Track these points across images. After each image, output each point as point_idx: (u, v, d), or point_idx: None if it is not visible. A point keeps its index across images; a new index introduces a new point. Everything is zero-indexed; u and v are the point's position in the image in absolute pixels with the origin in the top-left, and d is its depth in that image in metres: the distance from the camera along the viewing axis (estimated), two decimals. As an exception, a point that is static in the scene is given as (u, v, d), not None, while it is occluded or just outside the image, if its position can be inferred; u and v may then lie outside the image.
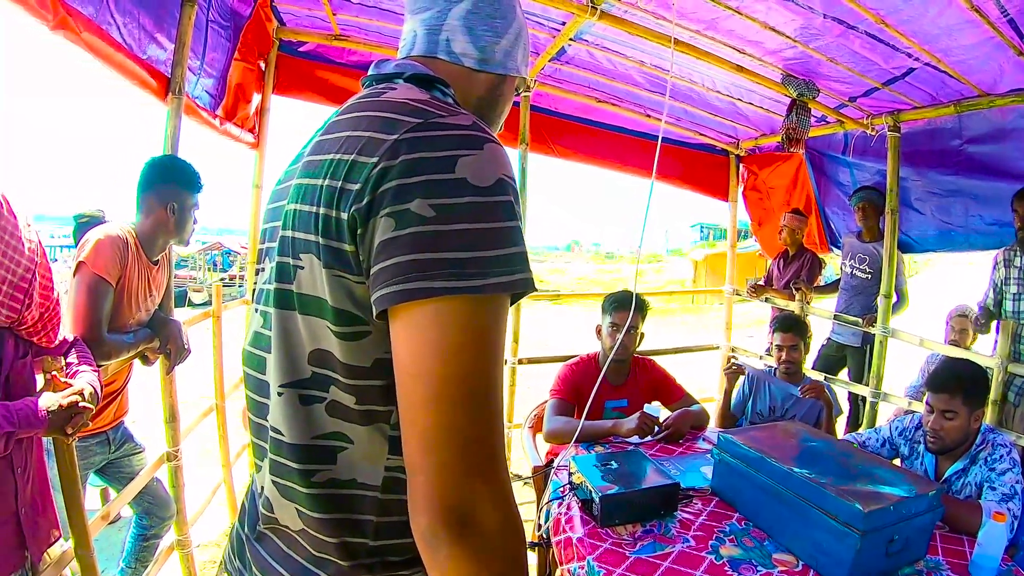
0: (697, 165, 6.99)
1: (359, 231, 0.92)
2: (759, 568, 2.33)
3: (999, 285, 4.77)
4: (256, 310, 1.20)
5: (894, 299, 5.45)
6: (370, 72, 1.24)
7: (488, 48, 1.26)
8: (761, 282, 6.70)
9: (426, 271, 0.86)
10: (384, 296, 0.89)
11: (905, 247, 5.85)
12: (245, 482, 3.65)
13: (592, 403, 3.22)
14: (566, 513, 2.73)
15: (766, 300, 6.57)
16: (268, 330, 1.11)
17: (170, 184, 3.08)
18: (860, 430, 4.33)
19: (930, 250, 5.91)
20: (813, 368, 6.10)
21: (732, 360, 4.20)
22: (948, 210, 5.38)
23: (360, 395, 1.01)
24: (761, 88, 4.80)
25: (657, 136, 2.85)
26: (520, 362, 5.81)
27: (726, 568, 2.31)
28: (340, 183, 0.95)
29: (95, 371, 2.35)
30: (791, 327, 4.36)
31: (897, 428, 3.44)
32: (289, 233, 1.04)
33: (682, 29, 3.88)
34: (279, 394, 1.06)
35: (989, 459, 2.96)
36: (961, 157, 5.01)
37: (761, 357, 6.48)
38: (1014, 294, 4.62)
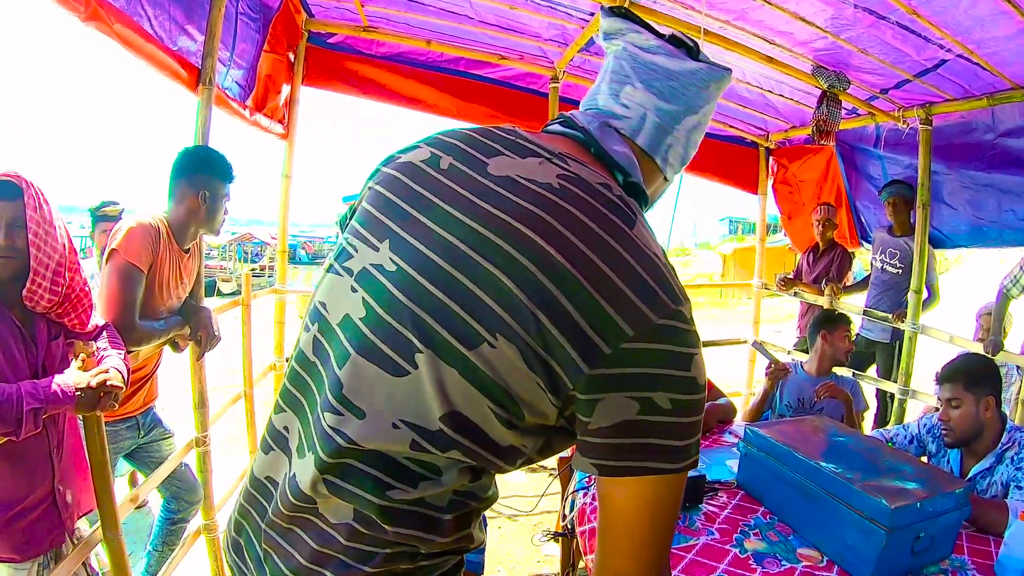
0: (726, 157, 6.93)
1: (594, 393, 0.95)
2: (783, 563, 2.32)
3: None
4: (355, 289, 1.10)
5: (924, 295, 5.38)
6: (592, 128, 1.19)
7: (684, 164, 1.29)
8: (791, 276, 6.67)
9: (655, 456, 0.96)
10: (615, 468, 0.97)
11: (936, 242, 5.75)
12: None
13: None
14: (591, 503, 2.72)
15: (795, 294, 6.55)
16: (375, 337, 1.04)
17: (203, 173, 3.10)
18: (888, 427, 4.29)
19: (962, 245, 5.83)
20: (842, 364, 6.05)
21: (776, 363, 4.15)
22: (980, 205, 5.26)
23: (479, 459, 1.04)
24: (791, 79, 4.76)
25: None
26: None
27: (750, 562, 2.31)
28: (586, 326, 0.93)
29: (123, 355, 2.38)
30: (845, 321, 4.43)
31: (925, 425, 3.42)
32: (479, 292, 0.97)
33: (712, 20, 3.85)
34: (395, 427, 1.01)
35: (1016, 458, 2.92)
36: (994, 151, 4.90)
37: (788, 352, 6.46)
38: None
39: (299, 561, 1.08)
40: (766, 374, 4.20)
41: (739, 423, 3.88)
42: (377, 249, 1.08)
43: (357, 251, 1.11)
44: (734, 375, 8.64)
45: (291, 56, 4.82)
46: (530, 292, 0.93)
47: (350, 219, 1.20)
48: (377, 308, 1.04)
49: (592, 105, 1.26)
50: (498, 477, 1.20)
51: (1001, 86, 4.30)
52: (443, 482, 1.04)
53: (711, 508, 2.72)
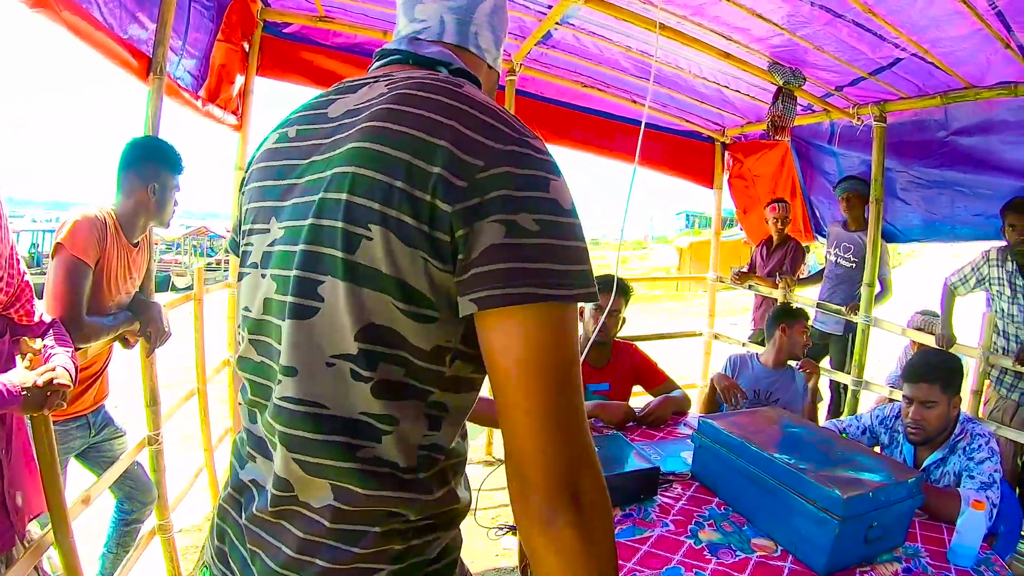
0: (682, 152, 6.98)
1: (461, 229, 0.97)
2: (738, 553, 2.33)
3: (985, 278, 4.78)
4: (264, 275, 1.16)
5: (877, 288, 5.48)
6: (403, 47, 1.27)
7: (499, 46, 1.39)
8: (744, 269, 6.73)
9: (531, 279, 0.95)
10: (491, 297, 0.96)
11: (890, 237, 5.90)
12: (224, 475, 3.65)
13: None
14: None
15: (750, 287, 6.63)
16: (287, 295, 1.08)
17: (151, 164, 3.04)
18: (841, 417, 4.33)
19: (915, 240, 5.99)
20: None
21: (736, 393, 4.09)
22: (933, 201, 5.39)
23: (414, 375, 1.05)
24: (748, 75, 4.80)
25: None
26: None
27: (705, 552, 2.32)
28: (439, 171, 0.97)
29: (71, 352, 2.33)
30: (804, 315, 4.46)
31: (878, 417, 3.46)
32: (344, 197, 1.01)
33: (668, 15, 3.86)
34: (329, 364, 1.04)
35: (968, 448, 2.98)
36: (947, 148, 5.02)
37: (744, 344, 6.52)
38: (999, 293, 4.66)
39: (287, 554, 1.09)
40: (723, 389, 4.16)
41: (694, 415, 3.90)
42: (269, 231, 1.17)
43: (254, 244, 1.20)
44: (689, 367, 8.72)
45: (245, 46, 4.74)
46: (380, 167, 1.00)
47: (239, 239, 1.31)
48: (283, 272, 1.10)
49: (396, 35, 1.34)
50: None
51: (955, 85, 4.37)
52: (404, 433, 1.07)
53: (666, 500, 2.72)
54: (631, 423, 3.65)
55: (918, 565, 2.37)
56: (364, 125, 1.05)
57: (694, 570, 2.22)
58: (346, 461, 1.05)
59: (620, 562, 1.88)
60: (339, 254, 1.01)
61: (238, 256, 1.31)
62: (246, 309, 1.20)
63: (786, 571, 2.26)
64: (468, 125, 1.01)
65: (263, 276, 1.15)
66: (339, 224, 1.01)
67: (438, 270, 1.00)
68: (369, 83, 1.17)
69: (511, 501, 1.02)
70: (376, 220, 0.98)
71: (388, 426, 1.05)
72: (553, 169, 1.03)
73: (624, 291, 4.06)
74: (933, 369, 3.03)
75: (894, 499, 2.34)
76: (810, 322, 4.48)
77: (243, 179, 1.32)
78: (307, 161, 1.13)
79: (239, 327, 1.24)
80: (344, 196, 1.01)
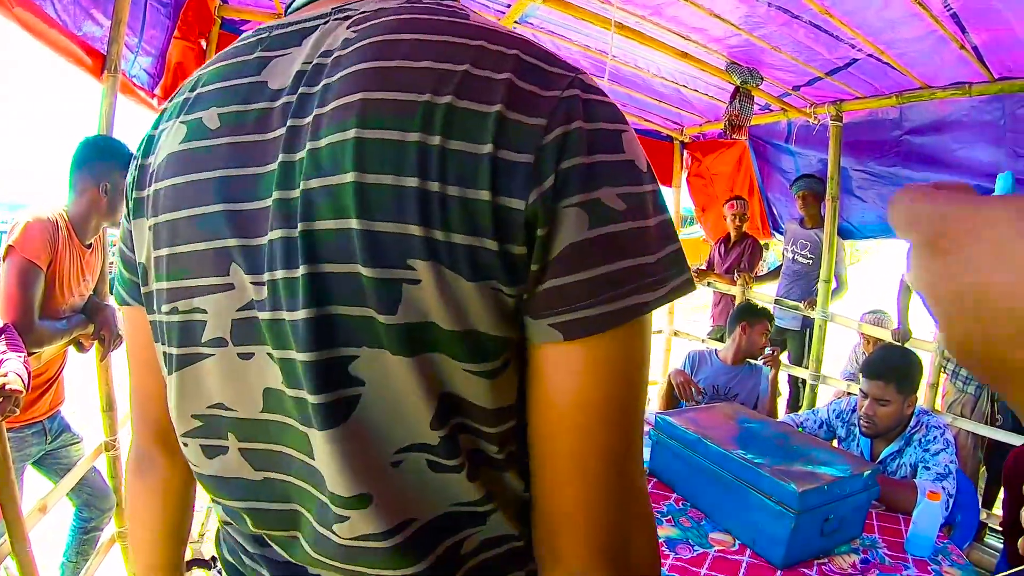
0: (644, 151, 6.89)
1: (543, 227, 0.67)
2: (696, 548, 2.36)
3: None
4: (248, 356, 0.79)
5: (833, 285, 5.55)
6: None
7: None
8: (703, 267, 6.76)
9: (628, 284, 0.68)
10: (582, 321, 0.68)
11: (846, 234, 5.98)
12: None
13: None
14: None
15: (708, 285, 6.66)
16: (305, 390, 0.73)
17: (103, 164, 2.97)
18: (799, 412, 4.37)
19: (871, 236, 6.07)
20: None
21: (692, 388, 4.09)
22: (888, 198, 5.34)
23: (502, 442, 0.76)
24: (706, 75, 4.82)
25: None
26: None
27: (663, 548, 2.33)
28: (490, 149, 0.66)
29: (24, 358, 2.29)
30: (767, 315, 4.49)
31: (835, 410, 3.51)
32: (356, 224, 0.67)
33: (627, 14, 3.88)
34: (395, 464, 0.73)
35: (923, 440, 3.04)
36: (901, 147, 5.09)
37: (703, 340, 6.57)
38: None
39: None
40: (679, 385, 4.19)
41: (652, 411, 3.91)
42: (232, 286, 0.78)
43: (208, 309, 0.80)
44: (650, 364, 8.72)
45: (203, 43, 4.67)
46: (401, 164, 0.66)
47: (137, 284, 0.92)
48: (286, 354, 0.74)
49: None
50: None
51: (909, 85, 4.43)
52: (508, 500, 0.79)
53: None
54: None
55: (875, 556, 2.42)
56: (352, 98, 0.69)
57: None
58: (455, 567, 0.79)
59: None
60: (372, 314, 0.69)
61: (145, 307, 0.90)
62: (218, 407, 0.83)
63: (744, 564, 2.29)
64: (503, 67, 0.69)
65: (246, 358, 0.79)
66: (360, 269, 0.68)
67: (509, 298, 0.69)
68: (313, 27, 0.80)
69: (540, 569, 0.79)
70: (419, 251, 0.66)
71: (489, 504, 0.77)
72: (620, 116, 0.72)
73: None
74: (891, 368, 3.06)
75: (849, 492, 2.37)
76: (772, 323, 4.51)
77: (131, 201, 0.91)
78: (267, 168, 0.74)
79: (190, 433, 0.86)
80: (356, 223, 0.67)
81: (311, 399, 0.72)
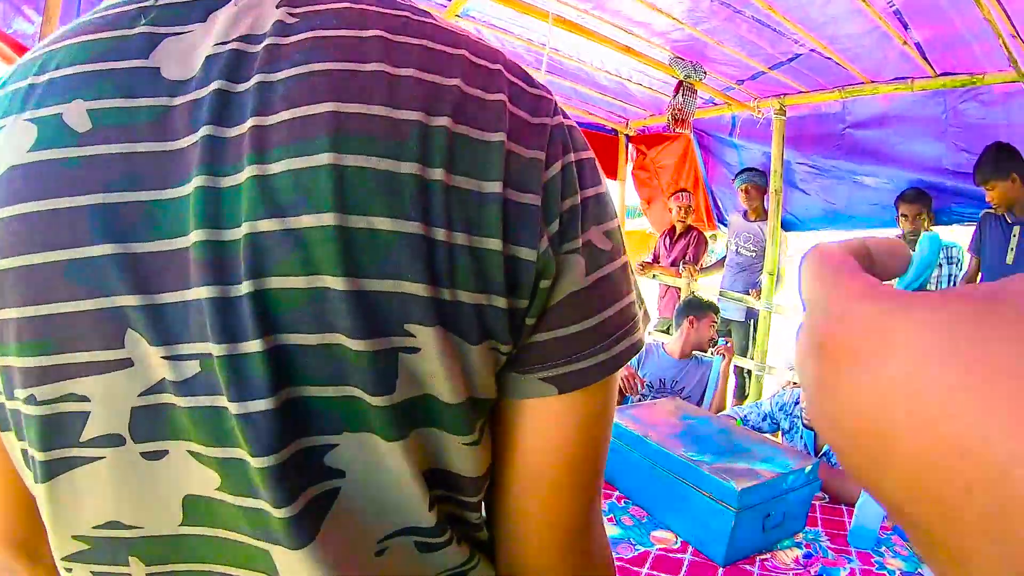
0: (590, 144, 6.79)
1: (544, 279, 0.58)
2: (638, 547, 2.33)
3: None
4: (155, 456, 0.57)
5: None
6: None
7: None
8: (648, 259, 6.75)
9: (623, 327, 0.63)
10: (578, 373, 0.61)
11: (790, 225, 6.08)
12: None
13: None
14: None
15: (653, 277, 6.64)
16: (261, 499, 0.55)
17: None
18: (744, 403, 4.37)
19: (814, 229, 6.15)
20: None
21: (636, 382, 4.07)
22: (832, 191, 5.60)
23: (480, 506, 0.68)
24: (650, 69, 4.81)
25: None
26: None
27: (606, 548, 2.31)
28: (499, 186, 0.55)
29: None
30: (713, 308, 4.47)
31: (777, 403, 3.49)
32: (342, 285, 0.52)
33: (568, 7, 3.86)
34: (379, 553, 0.60)
35: None
36: (845, 141, 5.15)
37: (649, 332, 6.56)
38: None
39: None
40: (623, 380, 4.15)
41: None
42: (130, 362, 0.55)
43: (91, 395, 0.56)
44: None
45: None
46: (395, 206, 0.52)
47: None
48: (215, 451, 0.56)
49: None
50: None
51: (853, 80, 4.46)
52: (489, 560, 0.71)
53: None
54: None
55: (819, 549, 2.42)
56: (318, 110, 0.52)
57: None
58: None
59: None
60: (358, 394, 0.55)
61: None
62: (112, 526, 0.59)
63: (686, 563, 2.27)
64: (492, 85, 0.58)
65: (154, 458, 0.57)
66: (342, 340, 0.53)
67: (504, 356, 0.60)
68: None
69: None
70: (421, 315, 0.53)
71: (472, 562, 0.67)
72: (585, 142, 0.64)
73: None
74: None
75: (790, 487, 2.37)
76: (719, 315, 4.51)
77: None
78: (175, 193, 0.54)
79: (73, 557, 0.62)
80: (336, 280, 0.52)
81: (276, 513, 0.55)
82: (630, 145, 7.18)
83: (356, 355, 0.53)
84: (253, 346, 0.52)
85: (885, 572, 2.32)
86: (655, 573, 2.20)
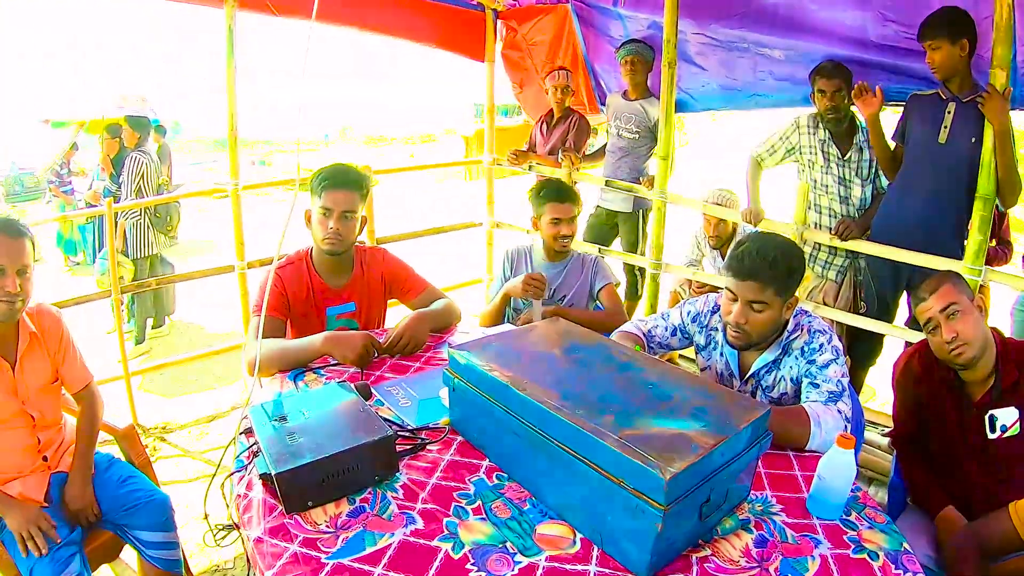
0: (449, 22, 6.30)
1: None
2: (516, 557, 1.58)
3: (795, 148, 4.52)
4: None
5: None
6: None
7: None
8: (523, 148, 6.27)
9: None
10: None
11: (682, 105, 5.71)
12: None
13: (309, 313, 2.99)
14: (245, 495, 1.83)
15: (530, 169, 6.10)
16: None
17: None
18: (644, 317, 3.60)
19: (711, 108, 5.87)
20: (583, 240, 5.87)
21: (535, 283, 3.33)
22: (733, 65, 5.16)
23: None
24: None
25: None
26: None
27: (468, 564, 1.55)
28: None
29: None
30: (567, 196, 3.61)
31: (689, 313, 2.80)
32: None
33: None
34: None
35: (806, 349, 2.42)
36: (750, 8, 4.63)
37: (528, 232, 6.02)
38: (810, 163, 4.42)
39: None
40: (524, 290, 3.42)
41: (465, 330, 3.09)
42: None
43: None
44: (467, 263, 8.11)
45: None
46: None
47: None
48: None
49: None
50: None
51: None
52: None
53: (415, 475, 1.89)
54: (378, 356, 2.75)
55: (773, 528, 1.74)
56: None
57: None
58: None
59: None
60: None
61: None
62: None
63: (592, 577, 1.54)
64: None
65: None
66: None
67: None
68: None
69: None
70: None
71: None
72: None
73: (358, 184, 3.05)
74: (768, 266, 2.32)
75: (735, 454, 1.65)
76: (580, 204, 3.70)
77: None
78: None
79: None
80: None
81: None
82: (499, 22, 6.56)
83: None
84: None
85: (866, 555, 1.65)
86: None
